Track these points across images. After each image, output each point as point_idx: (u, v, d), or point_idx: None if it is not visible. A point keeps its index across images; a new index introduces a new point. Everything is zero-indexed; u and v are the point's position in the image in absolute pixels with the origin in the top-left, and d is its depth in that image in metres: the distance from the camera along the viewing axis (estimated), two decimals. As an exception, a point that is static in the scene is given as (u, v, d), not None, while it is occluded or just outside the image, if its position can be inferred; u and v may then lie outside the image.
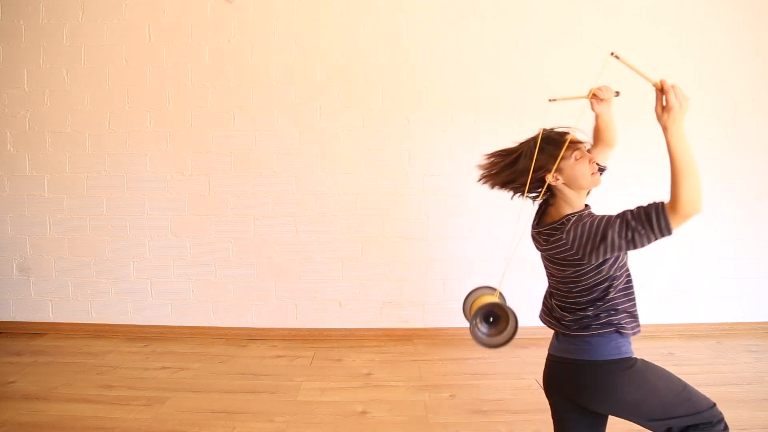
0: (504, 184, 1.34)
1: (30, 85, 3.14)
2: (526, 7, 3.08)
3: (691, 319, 3.22)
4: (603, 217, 1.20)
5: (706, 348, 2.97)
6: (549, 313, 1.40)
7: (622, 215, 1.16)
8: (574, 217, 1.25)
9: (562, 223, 1.27)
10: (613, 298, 1.27)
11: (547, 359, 1.39)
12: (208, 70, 3.10)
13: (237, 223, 3.16)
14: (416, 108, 3.11)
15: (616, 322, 1.26)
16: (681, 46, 3.11)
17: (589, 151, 1.36)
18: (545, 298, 1.45)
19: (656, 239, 1.13)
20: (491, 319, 1.16)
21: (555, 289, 1.37)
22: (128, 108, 3.13)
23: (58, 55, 3.12)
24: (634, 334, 1.30)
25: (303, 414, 2.17)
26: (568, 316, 1.31)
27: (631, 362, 1.26)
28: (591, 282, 1.26)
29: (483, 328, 1.16)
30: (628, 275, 1.32)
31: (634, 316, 1.31)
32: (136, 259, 3.19)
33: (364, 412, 2.21)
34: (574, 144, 1.28)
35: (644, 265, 3.09)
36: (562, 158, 1.25)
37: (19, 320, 3.24)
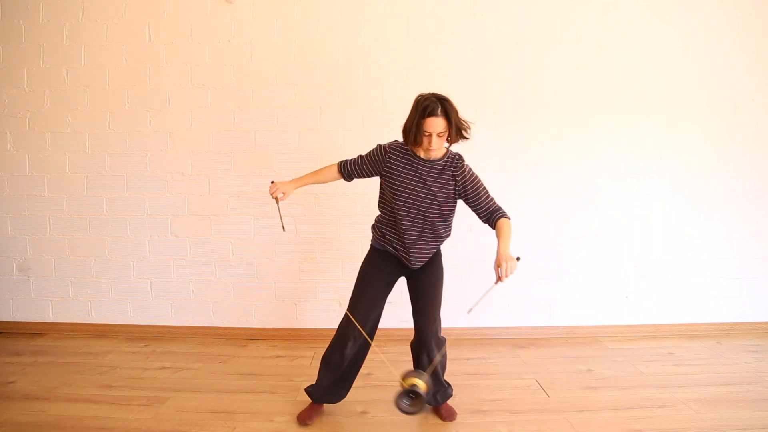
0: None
1: (30, 85, 3.14)
2: (526, 7, 3.08)
3: (691, 319, 3.22)
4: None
5: (706, 348, 2.97)
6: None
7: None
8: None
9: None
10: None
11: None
12: (208, 70, 3.10)
13: (237, 223, 3.16)
14: (416, 108, 3.10)
15: None
16: (681, 46, 3.11)
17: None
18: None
19: None
20: (411, 396, 1.78)
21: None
22: (128, 108, 3.13)
23: (58, 55, 3.12)
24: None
25: (303, 414, 2.17)
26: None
27: None
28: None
29: (406, 400, 1.79)
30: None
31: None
32: (136, 259, 3.19)
33: (364, 412, 2.21)
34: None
35: (644, 264, 3.12)
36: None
37: (19, 320, 3.24)
